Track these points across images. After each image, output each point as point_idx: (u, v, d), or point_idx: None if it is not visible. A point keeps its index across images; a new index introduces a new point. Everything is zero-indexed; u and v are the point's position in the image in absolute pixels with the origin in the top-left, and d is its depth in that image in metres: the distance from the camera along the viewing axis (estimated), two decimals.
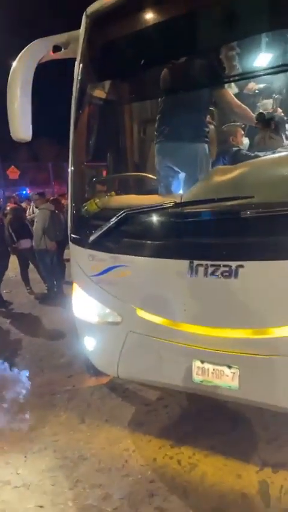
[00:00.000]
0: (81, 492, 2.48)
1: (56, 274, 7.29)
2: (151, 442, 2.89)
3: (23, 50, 3.06)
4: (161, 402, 3.37)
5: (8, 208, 8.65)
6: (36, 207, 7.66)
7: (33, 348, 4.81)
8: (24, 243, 7.05)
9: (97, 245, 2.84)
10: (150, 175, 3.42)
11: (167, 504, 2.33)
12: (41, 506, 2.39)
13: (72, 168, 3.20)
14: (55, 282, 7.18)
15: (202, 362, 2.57)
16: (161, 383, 2.90)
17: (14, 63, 3.04)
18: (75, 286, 3.24)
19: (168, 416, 3.18)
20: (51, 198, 9.35)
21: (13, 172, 19.74)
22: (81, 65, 3.12)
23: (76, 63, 3.15)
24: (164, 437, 2.90)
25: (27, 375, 4.07)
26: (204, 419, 3.06)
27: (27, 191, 20.92)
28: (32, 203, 10.35)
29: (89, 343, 3.19)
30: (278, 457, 2.61)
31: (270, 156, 2.84)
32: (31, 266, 7.45)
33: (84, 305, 3.12)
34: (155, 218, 2.65)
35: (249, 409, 2.98)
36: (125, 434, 3.00)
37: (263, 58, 2.95)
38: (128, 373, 3.01)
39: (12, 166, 19.95)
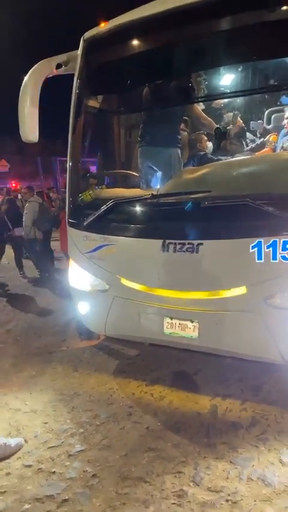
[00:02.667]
0: (76, 414, 3.22)
1: (46, 261, 7.98)
2: (130, 383, 3.65)
3: (33, 68, 3.76)
4: (139, 357, 4.13)
5: (5, 198, 9.18)
6: (25, 200, 8.24)
7: (30, 320, 5.48)
8: (18, 231, 7.68)
9: (90, 228, 3.52)
10: (133, 173, 4.15)
11: (142, 419, 3.10)
12: (46, 423, 3.13)
13: (70, 164, 3.88)
14: (45, 268, 7.86)
15: (171, 318, 3.28)
16: (139, 337, 3.61)
17: (25, 78, 3.73)
18: (71, 261, 3.94)
19: (144, 365, 3.94)
20: (38, 191, 9.83)
21: (2, 166, 20.15)
22: (78, 80, 3.77)
23: (74, 78, 3.81)
24: (140, 380, 3.66)
25: (27, 340, 4.78)
26: (172, 369, 3.83)
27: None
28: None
29: (82, 308, 3.88)
30: (226, 390, 3.40)
31: (226, 160, 3.63)
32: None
33: (79, 277, 3.80)
34: (136, 207, 3.37)
35: (207, 361, 3.75)
36: (110, 379, 3.75)
37: (225, 83, 3.78)
38: (114, 331, 3.70)
39: (3, 160, 20.37)
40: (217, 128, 3.73)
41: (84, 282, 3.76)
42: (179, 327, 3.29)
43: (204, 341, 3.18)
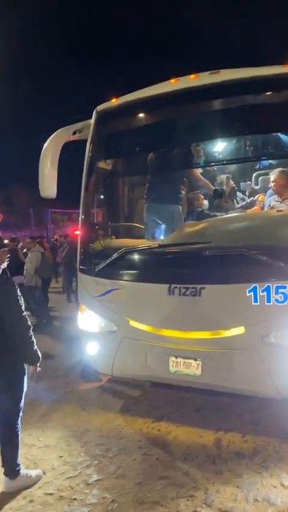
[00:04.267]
0: (89, 448, 3.41)
1: (44, 307, 8.24)
2: (137, 420, 3.86)
3: (53, 134, 4.32)
4: (143, 397, 4.36)
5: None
6: (29, 249, 8.63)
7: None
8: (18, 279, 7.98)
9: (101, 273, 3.90)
10: (139, 225, 4.63)
11: (151, 452, 3.31)
12: (61, 456, 3.31)
13: (82, 217, 4.34)
14: (43, 315, 8.10)
15: (176, 357, 3.58)
16: (145, 376, 3.86)
17: (46, 143, 4.29)
18: (81, 305, 4.26)
19: (149, 404, 4.17)
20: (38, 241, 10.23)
21: None
22: (91, 145, 4.30)
23: (87, 144, 4.35)
24: (146, 417, 3.89)
25: (31, 382, 4.94)
26: (175, 407, 4.07)
27: None
28: None
29: (90, 350, 4.11)
30: (227, 425, 3.66)
31: (223, 216, 4.16)
32: None
33: (89, 319, 4.10)
34: (144, 255, 3.80)
35: (206, 400, 4.02)
36: (118, 417, 3.96)
37: (219, 151, 4.41)
38: (121, 371, 3.94)
39: None
40: (215, 189, 4.31)
41: (93, 324, 4.04)
42: (183, 365, 3.57)
43: (207, 378, 3.46)
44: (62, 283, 11.90)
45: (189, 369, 3.56)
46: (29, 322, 2.99)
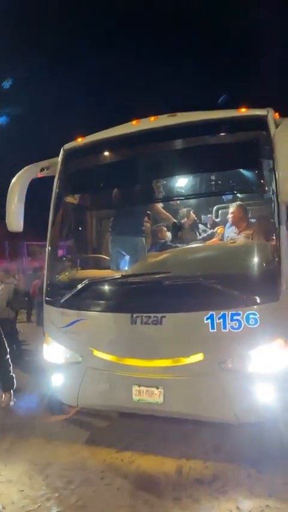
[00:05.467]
0: (51, 481, 3.38)
1: (14, 339, 8.15)
2: (102, 450, 3.86)
3: (21, 171, 4.48)
4: (109, 427, 4.37)
5: None
6: (1, 281, 8.60)
7: None
8: None
9: (67, 304, 3.99)
10: (104, 256, 4.79)
11: (113, 481, 3.31)
12: (22, 490, 3.27)
13: (49, 249, 4.46)
14: (14, 346, 8.00)
15: (139, 386, 3.64)
16: (110, 405, 3.91)
17: (14, 179, 4.43)
18: (46, 337, 4.30)
19: (115, 435, 4.17)
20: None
21: None
22: (58, 181, 4.48)
23: (55, 180, 4.53)
24: (111, 447, 3.89)
25: None
26: (140, 436, 4.09)
27: None
28: None
29: (56, 381, 4.13)
30: (190, 452, 3.71)
31: (183, 247, 4.38)
32: None
33: (54, 350, 4.13)
34: (108, 285, 3.94)
35: (171, 428, 4.07)
36: (83, 448, 3.95)
37: (180, 186, 4.69)
38: (86, 401, 3.98)
39: None
40: (174, 222, 4.56)
41: (58, 355, 4.09)
42: (146, 393, 3.64)
43: (168, 406, 3.55)
44: (35, 316, 11.78)
45: (152, 397, 3.63)
46: (6, 347, 3.06)
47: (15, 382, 3.10)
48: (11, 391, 3.09)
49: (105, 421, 4.49)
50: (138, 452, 3.78)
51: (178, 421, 3.78)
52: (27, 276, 14.78)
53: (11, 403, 3.11)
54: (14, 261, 19.44)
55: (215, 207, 5.70)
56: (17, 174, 4.46)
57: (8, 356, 3.07)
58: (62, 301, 4.02)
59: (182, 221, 4.82)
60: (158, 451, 3.77)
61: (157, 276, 3.70)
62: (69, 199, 4.84)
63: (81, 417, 4.64)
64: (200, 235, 5.19)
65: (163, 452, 3.75)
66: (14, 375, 3.09)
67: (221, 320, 3.34)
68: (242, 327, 3.25)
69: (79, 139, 4.51)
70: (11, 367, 3.08)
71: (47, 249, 4.50)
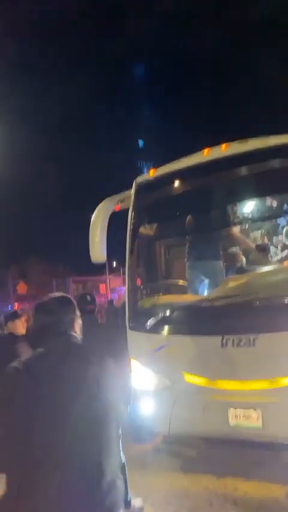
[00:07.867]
0: (157, 509, 3.36)
1: None
2: (201, 478, 3.79)
3: (100, 204, 4.71)
4: (199, 455, 4.30)
5: None
6: None
7: None
8: None
9: (153, 330, 4.04)
10: (182, 282, 4.88)
11: (224, 509, 3.24)
12: None
13: (128, 277, 4.59)
14: None
15: (235, 408, 3.58)
16: (204, 432, 3.84)
17: (95, 212, 4.66)
18: (133, 363, 4.32)
19: (209, 463, 4.08)
20: None
21: (21, 287, 21.22)
22: (132, 213, 4.63)
23: (129, 212, 4.68)
24: (209, 475, 3.81)
25: None
26: (236, 462, 3.99)
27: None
28: None
29: (145, 408, 4.10)
30: None
31: (262, 269, 4.41)
32: None
33: (143, 376, 4.17)
34: (195, 309, 4.01)
35: (264, 454, 3.97)
36: (180, 476, 3.89)
37: (252, 210, 4.79)
38: (178, 428, 3.87)
39: (22, 282, 21.56)
40: (259, 244, 4.66)
41: (147, 382, 4.09)
42: (243, 417, 3.57)
43: (268, 430, 3.45)
44: None
45: (250, 420, 3.54)
46: None
47: None
48: None
49: (193, 450, 4.41)
50: (239, 479, 3.68)
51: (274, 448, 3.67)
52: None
53: None
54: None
55: (285, 229, 5.74)
56: (98, 207, 4.69)
57: None
58: (148, 326, 4.09)
59: (257, 244, 4.90)
60: (259, 477, 3.65)
61: (245, 297, 3.73)
62: (143, 229, 5.02)
63: (167, 446, 4.57)
64: (271, 257, 5.22)
65: (265, 478, 3.63)
66: None
67: None
68: None
69: (151, 172, 4.72)
70: None
71: (126, 278, 4.64)
